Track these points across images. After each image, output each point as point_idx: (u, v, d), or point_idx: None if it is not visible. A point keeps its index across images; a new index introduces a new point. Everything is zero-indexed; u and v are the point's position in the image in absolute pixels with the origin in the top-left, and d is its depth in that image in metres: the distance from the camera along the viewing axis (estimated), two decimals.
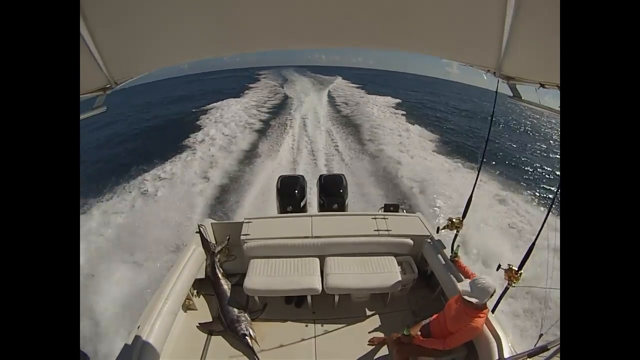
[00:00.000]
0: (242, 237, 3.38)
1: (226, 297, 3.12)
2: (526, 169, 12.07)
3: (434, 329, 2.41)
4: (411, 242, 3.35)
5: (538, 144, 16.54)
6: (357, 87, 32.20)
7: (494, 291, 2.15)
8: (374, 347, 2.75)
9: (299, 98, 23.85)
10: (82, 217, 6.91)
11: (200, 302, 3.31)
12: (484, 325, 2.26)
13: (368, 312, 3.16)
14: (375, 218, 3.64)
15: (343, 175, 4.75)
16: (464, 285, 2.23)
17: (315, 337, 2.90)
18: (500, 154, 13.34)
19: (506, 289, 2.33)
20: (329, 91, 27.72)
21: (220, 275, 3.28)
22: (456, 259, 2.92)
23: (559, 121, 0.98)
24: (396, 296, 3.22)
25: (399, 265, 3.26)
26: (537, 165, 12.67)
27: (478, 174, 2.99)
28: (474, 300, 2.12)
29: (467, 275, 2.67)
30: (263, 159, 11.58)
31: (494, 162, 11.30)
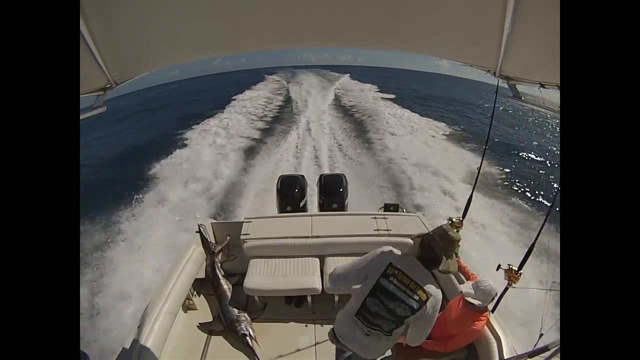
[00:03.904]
0: (242, 237, 3.38)
1: (226, 297, 3.12)
2: (526, 168, 12.07)
3: (434, 330, 2.40)
4: (411, 242, 3.35)
5: (537, 143, 16.57)
6: (360, 84, 32.15)
7: (496, 294, 2.15)
8: None
9: (302, 98, 23.85)
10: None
11: (200, 302, 3.31)
12: (484, 325, 2.25)
13: None
14: (375, 218, 3.64)
15: (343, 174, 4.75)
16: (466, 287, 2.23)
17: (315, 337, 2.89)
18: (501, 152, 13.37)
19: (506, 289, 2.33)
20: (332, 90, 27.59)
21: (220, 275, 3.28)
22: (456, 259, 2.90)
23: (559, 121, 0.98)
24: None
25: None
26: (537, 164, 12.68)
27: (478, 174, 3.00)
28: (477, 302, 2.12)
29: (467, 276, 2.67)
30: (264, 158, 11.59)
31: (494, 162, 11.30)
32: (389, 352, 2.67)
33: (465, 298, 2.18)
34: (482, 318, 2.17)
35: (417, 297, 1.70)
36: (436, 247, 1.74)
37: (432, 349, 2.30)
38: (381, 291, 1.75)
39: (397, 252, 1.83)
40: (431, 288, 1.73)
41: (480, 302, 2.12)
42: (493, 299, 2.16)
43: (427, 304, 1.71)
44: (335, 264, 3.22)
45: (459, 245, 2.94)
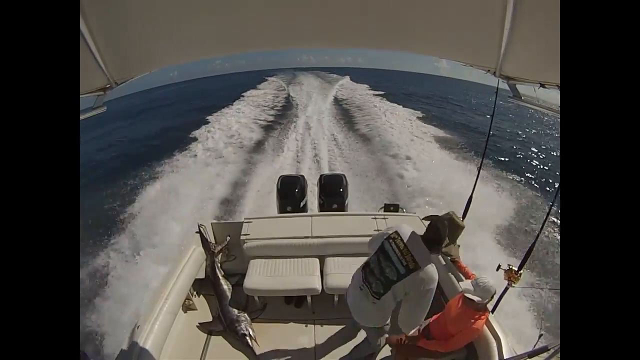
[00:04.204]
0: (242, 237, 3.38)
1: (226, 297, 3.12)
2: (526, 168, 12.05)
3: (434, 330, 2.41)
4: None
5: (538, 142, 16.60)
6: (360, 86, 32.22)
7: (495, 292, 2.15)
8: None
9: (302, 99, 24.03)
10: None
11: (200, 302, 3.31)
12: (484, 325, 2.26)
13: None
14: (375, 218, 3.64)
15: (343, 175, 4.75)
16: (465, 285, 2.24)
17: (315, 337, 2.90)
18: (502, 152, 13.39)
19: (506, 289, 2.33)
20: (333, 92, 27.72)
21: (220, 275, 3.28)
22: (456, 259, 2.91)
23: (559, 121, 0.98)
24: None
25: None
26: (538, 164, 12.67)
27: (478, 174, 2.99)
28: (476, 298, 2.12)
29: (467, 276, 2.67)
30: (264, 158, 11.61)
31: (494, 161, 11.30)
32: (388, 352, 2.68)
33: (465, 295, 2.19)
34: (482, 317, 2.17)
35: (405, 263, 1.85)
36: (442, 229, 1.93)
37: (434, 349, 2.30)
38: (382, 251, 1.98)
39: (409, 228, 2.05)
40: (424, 263, 1.85)
41: (480, 299, 2.12)
42: (492, 296, 2.16)
43: (415, 274, 1.83)
44: (335, 264, 3.22)
45: (459, 245, 2.95)
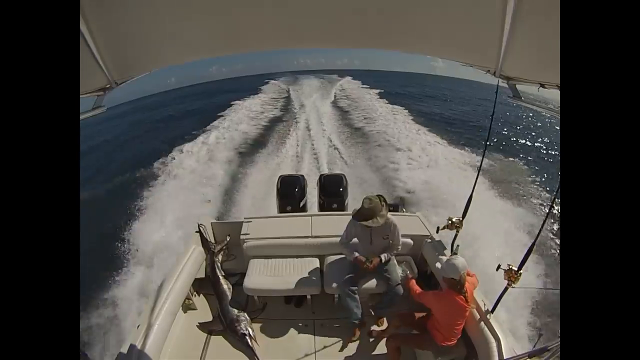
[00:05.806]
0: (242, 237, 3.38)
1: (226, 297, 3.12)
2: (526, 167, 12.05)
3: (431, 327, 2.44)
4: (411, 242, 3.35)
5: (538, 142, 16.61)
6: (359, 86, 32.36)
7: (464, 269, 2.24)
8: (374, 347, 2.77)
9: (301, 100, 24.19)
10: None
11: (200, 301, 3.31)
12: (484, 325, 2.26)
13: (367, 312, 3.17)
14: None
15: (343, 175, 4.76)
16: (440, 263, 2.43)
17: (315, 336, 2.90)
18: (501, 152, 13.39)
19: (505, 289, 2.32)
20: (332, 92, 27.88)
21: (220, 275, 3.28)
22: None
23: (559, 121, 0.98)
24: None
25: (398, 265, 3.26)
26: (538, 164, 12.67)
27: (478, 173, 2.98)
28: (444, 275, 2.29)
29: (467, 275, 2.68)
30: (264, 158, 11.62)
31: (494, 161, 11.30)
32: (384, 349, 2.69)
33: (442, 275, 2.34)
34: (458, 298, 2.25)
35: None
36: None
37: (415, 298, 2.54)
38: None
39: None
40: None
41: (450, 276, 2.23)
42: (462, 276, 2.22)
43: None
44: (335, 263, 3.22)
45: (459, 245, 2.96)
